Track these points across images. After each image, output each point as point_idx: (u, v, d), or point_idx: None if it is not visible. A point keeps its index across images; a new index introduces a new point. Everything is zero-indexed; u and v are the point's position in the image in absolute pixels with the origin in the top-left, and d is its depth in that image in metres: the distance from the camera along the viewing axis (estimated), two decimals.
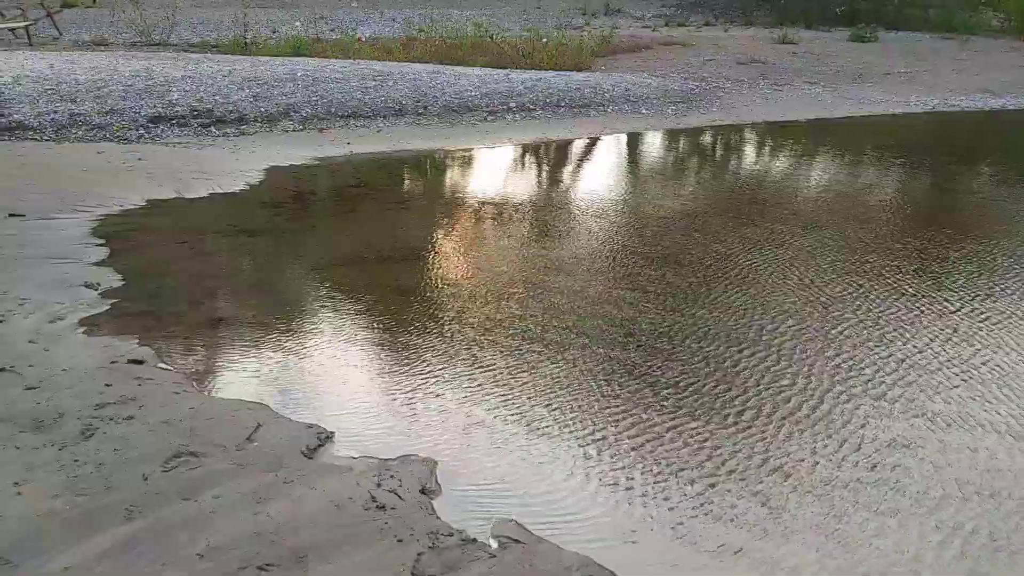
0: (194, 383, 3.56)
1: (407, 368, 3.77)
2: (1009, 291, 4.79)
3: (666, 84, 12.52)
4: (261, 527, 2.55)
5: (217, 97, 9.92)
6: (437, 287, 4.83)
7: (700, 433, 3.22)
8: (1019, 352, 3.97)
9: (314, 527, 2.56)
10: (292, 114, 9.75)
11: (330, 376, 3.72)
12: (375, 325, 4.30)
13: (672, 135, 10.28)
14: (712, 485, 2.89)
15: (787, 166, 8.87)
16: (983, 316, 4.41)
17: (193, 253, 5.30)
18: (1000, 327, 4.27)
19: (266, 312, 4.46)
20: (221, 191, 6.76)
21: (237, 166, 7.60)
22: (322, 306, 4.56)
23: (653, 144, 10.02)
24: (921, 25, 19.73)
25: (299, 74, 11.09)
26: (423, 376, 3.69)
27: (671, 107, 11.33)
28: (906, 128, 11.08)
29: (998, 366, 3.83)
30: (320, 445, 3.07)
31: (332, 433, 3.16)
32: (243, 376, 3.68)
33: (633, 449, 3.11)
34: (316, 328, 4.25)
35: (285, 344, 4.02)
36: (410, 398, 3.49)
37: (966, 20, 20.03)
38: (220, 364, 3.81)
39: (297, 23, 16.64)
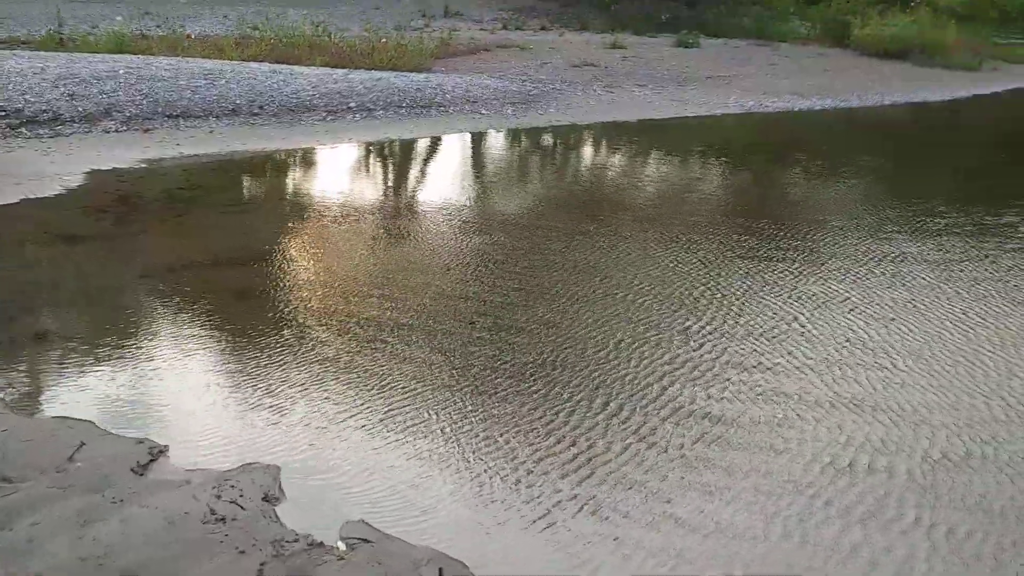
0: (6, 404, 3.28)
1: (245, 375, 3.64)
2: (823, 273, 5.21)
3: (505, 85, 12.73)
4: (87, 551, 2.39)
5: (27, 96, 9.16)
6: (275, 292, 4.70)
7: (550, 424, 3.31)
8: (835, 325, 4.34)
9: (147, 546, 2.43)
10: (114, 113, 9.16)
11: (163, 388, 3.53)
12: (210, 332, 4.12)
13: (512, 135, 10.48)
14: (562, 475, 2.98)
15: (620, 164, 9.25)
16: (799, 291, 4.78)
17: (2, 265, 4.88)
18: (816, 301, 4.64)
19: (89, 323, 4.18)
20: (34, 196, 6.26)
21: (52, 169, 7.07)
22: (152, 314, 4.33)
23: (494, 144, 10.17)
24: (738, 32, 21.05)
25: (121, 71, 10.43)
26: (262, 383, 3.58)
27: (510, 107, 11.54)
28: (727, 128, 11.82)
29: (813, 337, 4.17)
30: (152, 460, 2.92)
31: (165, 447, 3.01)
32: (64, 393, 3.43)
33: (480, 442, 3.16)
34: (147, 338, 4.02)
35: (112, 357, 3.78)
36: (250, 405, 3.38)
37: (777, 28, 21.60)
38: (37, 382, 3.53)
39: (119, 18, 15.64)
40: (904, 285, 5.02)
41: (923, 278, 5.14)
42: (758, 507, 2.81)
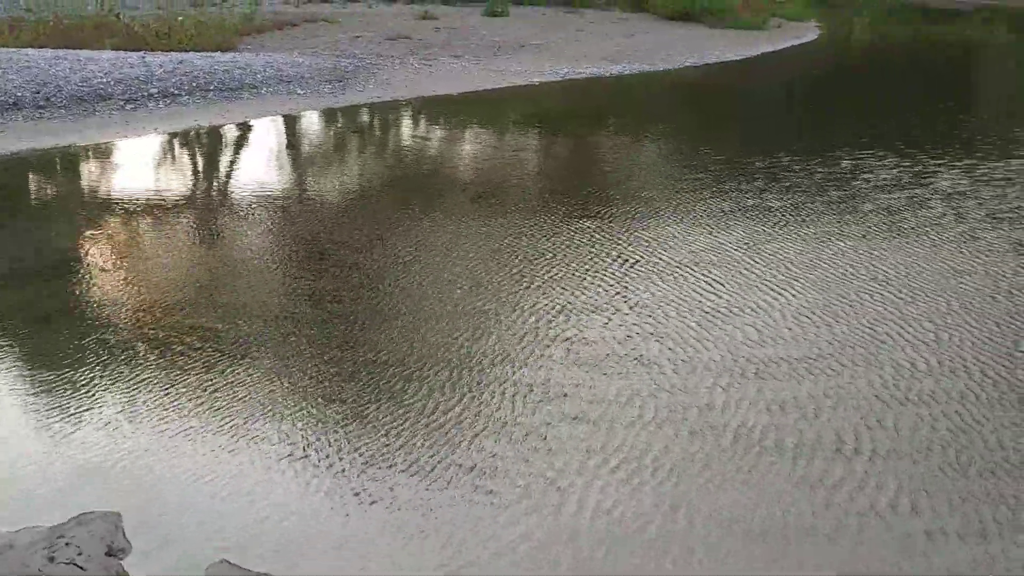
0: None
1: (60, 410, 3.31)
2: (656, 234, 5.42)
3: (319, 62, 12.26)
4: None
5: None
6: (84, 306, 4.30)
7: (407, 423, 3.24)
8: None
9: None
10: None
11: None
12: (12, 362, 3.71)
13: (331, 115, 10.13)
14: (429, 480, 2.93)
15: (447, 141, 9.19)
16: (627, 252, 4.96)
17: None
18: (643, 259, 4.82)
19: None
20: None
21: None
22: None
23: (312, 126, 9.81)
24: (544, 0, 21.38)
25: None
26: (81, 416, 3.26)
27: (327, 86, 11.14)
28: (546, 96, 11.99)
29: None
30: None
31: None
32: None
33: (335, 452, 3.05)
34: None
35: None
36: (72, 445, 3.07)
37: None
38: None
39: None
40: (753, 236, 5.32)
41: (764, 229, 5.48)
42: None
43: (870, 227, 5.68)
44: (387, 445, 3.11)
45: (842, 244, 5.33)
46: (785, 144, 8.44)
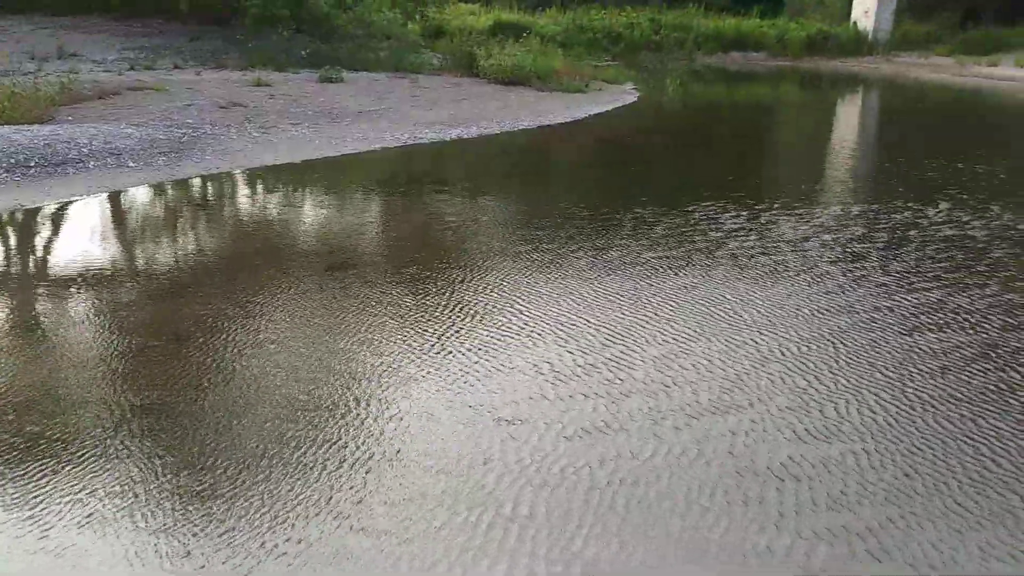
0: None
1: None
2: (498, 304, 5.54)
3: (150, 133, 11.71)
4: None
5: None
6: None
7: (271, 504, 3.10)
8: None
9: None
10: None
11: None
12: None
13: (167, 189, 9.66)
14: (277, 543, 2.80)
15: (292, 209, 8.97)
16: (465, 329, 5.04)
17: None
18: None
19: None
20: None
21: None
22: None
23: (148, 201, 9.30)
24: (376, 65, 21.59)
25: None
26: None
27: (161, 157, 10.64)
28: (391, 162, 12.05)
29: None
30: None
31: None
32: None
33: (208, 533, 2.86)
34: None
35: None
36: None
37: (412, 60, 22.52)
38: None
39: None
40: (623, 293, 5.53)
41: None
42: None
43: (746, 271, 6.14)
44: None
45: (720, 290, 5.68)
46: (635, 198, 8.91)
